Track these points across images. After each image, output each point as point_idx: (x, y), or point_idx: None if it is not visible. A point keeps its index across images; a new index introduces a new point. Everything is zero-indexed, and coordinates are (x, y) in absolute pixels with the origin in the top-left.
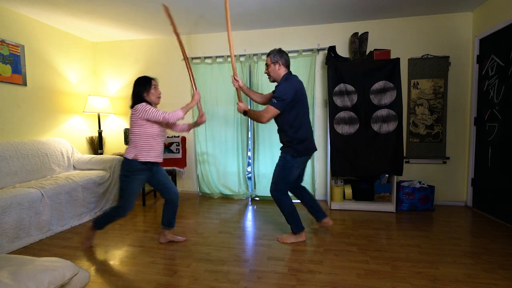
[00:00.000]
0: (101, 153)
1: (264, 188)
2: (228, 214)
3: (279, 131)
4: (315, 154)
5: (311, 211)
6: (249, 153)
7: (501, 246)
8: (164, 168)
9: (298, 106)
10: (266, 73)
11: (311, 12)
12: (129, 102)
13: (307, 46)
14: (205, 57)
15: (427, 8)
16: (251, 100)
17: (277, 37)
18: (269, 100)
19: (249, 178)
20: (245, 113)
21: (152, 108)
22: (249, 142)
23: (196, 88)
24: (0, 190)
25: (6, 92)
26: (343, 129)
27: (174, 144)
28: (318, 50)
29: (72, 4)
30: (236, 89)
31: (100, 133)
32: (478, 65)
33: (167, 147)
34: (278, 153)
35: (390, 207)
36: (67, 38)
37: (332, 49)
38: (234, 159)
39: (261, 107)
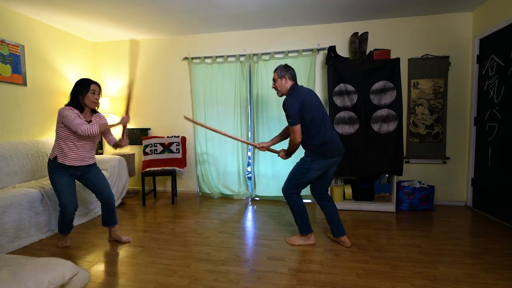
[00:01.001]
0: (101, 153)
1: (264, 188)
2: (228, 214)
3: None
4: None
5: (330, 224)
6: (249, 153)
7: (501, 246)
8: (164, 168)
9: (308, 112)
10: (273, 88)
11: (311, 12)
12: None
13: (307, 46)
14: (205, 57)
15: (427, 8)
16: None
17: (277, 37)
18: (287, 131)
19: (249, 178)
20: (288, 154)
21: (71, 115)
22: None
23: (127, 113)
24: (0, 190)
25: (6, 92)
26: (343, 129)
27: (174, 144)
28: (318, 50)
29: (72, 4)
30: (266, 150)
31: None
32: (478, 65)
33: (167, 147)
34: None
35: (390, 207)
36: (67, 38)
37: (332, 49)
38: (234, 159)
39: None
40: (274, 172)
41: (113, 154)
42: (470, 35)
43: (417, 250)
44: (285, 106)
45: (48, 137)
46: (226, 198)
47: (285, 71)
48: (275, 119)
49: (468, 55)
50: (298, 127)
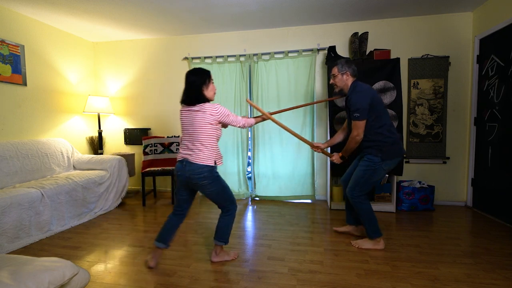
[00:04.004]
0: (101, 153)
1: (264, 188)
2: None
3: (365, 141)
4: (316, 154)
5: (348, 209)
6: (249, 153)
7: (501, 246)
8: (164, 168)
9: (378, 110)
10: (332, 83)
11: (311, 12)
12: (129, 102)
13: (307, 46)
14: (205, 57)
15: (427, 8)
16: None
17: (277, 37)
18: (345, 130)
19: (249, 178)
20: (343, 157)
21: (229, 111)
22: (249, 142)
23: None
24: (0, 190)
25: (6, 92)
26: None
27: (174, 144)
28: (318, 50)
29: (72, 4)
30: (321, 151)
31: (100, 133)
32: (478, 65)
33: (167, 147)
34: (278, 153)
35: (390, 207)
36: (67, 38)
37: (332, 49)
38: (234, 159)
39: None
40: (274, 172)
41: (113, 154)
42: (470, 35)
43: (417, 250)
44: (353, 100)
45: (48, 137)
46: None
47: (347, 66)
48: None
49: (468, 55)
50: (363, 123)
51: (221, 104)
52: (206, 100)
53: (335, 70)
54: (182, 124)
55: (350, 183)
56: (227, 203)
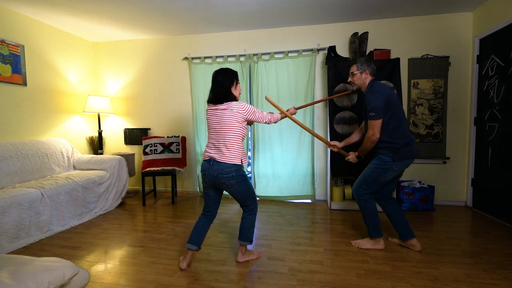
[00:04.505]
0: (101, 153)
1: (264, 188)
2: (228, 214)
3: (378, 143)
4: (315, 154)
5: (396, 227)
6: (249, 153)
7: (501, 246)
8: (164, 168)
9: (393, 110)
10: (350, 81)
11: (311, 12)
12: (129, 102)
13: (307, 46)
14: (205, 57)
15: (427, 8)
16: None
17: (277, 37)
18: (362, 131)
19: (249, 178)
20: (359, 157)
21: (255, 108)
22: (249, 142)
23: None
24: (0, 190)
25: (6, 92)
26: (343, 129)
27: (174, 144)
28: (318, 50)
29: (72, 3)
30: (338, 150)
31: (100, 133)
32: (478, 65)
33: (167, 147)
34: (278, 153)
35: None
36: (67, 38)
37: (332, 49)
38: None
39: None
40: (274, 172)
41: (113, 154)
42: (470, 35)
43: (417, 250)
44: (369, 99)
45: (48, 137)
46: (226, 198)
47: (367, 65)
48: None
49: (468, 55)
50: (379, 122)
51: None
52: (234, 99)
53: (354, 68)
54: (208, 123)
55: (357, 180)
56: (250, 202)
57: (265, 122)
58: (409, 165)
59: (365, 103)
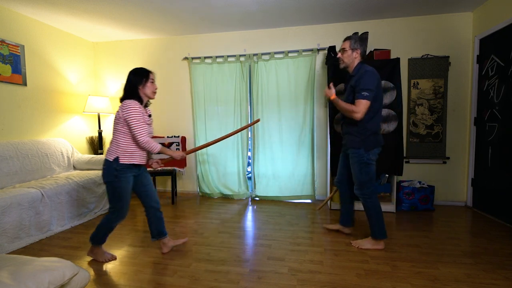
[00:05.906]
0: (101, 153)
1: (264, 188)
2: (228, 214)
3: (347, 124)
4: (315, 154)
5: (343, 211)
6: (249, 153)
7: (501, 246)
8: (164, 168)
9: (378, 97)
10: (339, 57)
11: (311, 12)
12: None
13: (307, 46)
14: (205, 57)
15: (427, 8)
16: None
17: (277, 37)
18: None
19: (249, 178)
20: (336, 104)
21: (141, 116)
22: (249, 142)
23: (187, 153)
24: (0, 190)
25: (6, 92)
26: None
27: (174, 144)
28: (318, 50)
29: (72, 3)
30: (332, 101)
31: (100, 133)
32: (478, 65)
33: (167, 147)
34: (278, 153)
35: (390, 207)
36: (67, 38)
37: (332, 49)
38: (234, 159)
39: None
40: (274, 172)
41: None
42: (470, 35)
43: (417, 250)
44: (365, 80)
45: (48, 137)
46: (226, 198)
47: (360, 44)
48: (274, 119)
49: (468, 55)
50: (368, 104)
51: (221, 104)
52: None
53: (346, 45)
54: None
55: (355, 184)
56: (113, 203)
57: (139, 141)
58: (377, 154)
59: (357, 83)
